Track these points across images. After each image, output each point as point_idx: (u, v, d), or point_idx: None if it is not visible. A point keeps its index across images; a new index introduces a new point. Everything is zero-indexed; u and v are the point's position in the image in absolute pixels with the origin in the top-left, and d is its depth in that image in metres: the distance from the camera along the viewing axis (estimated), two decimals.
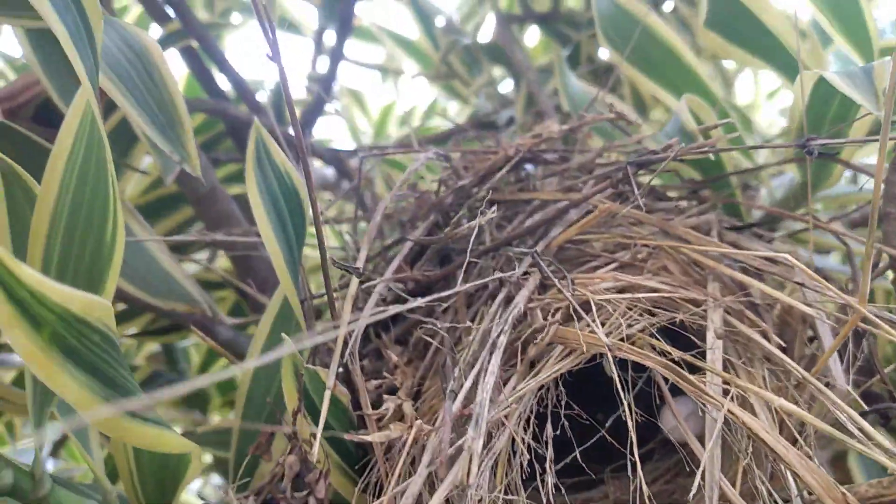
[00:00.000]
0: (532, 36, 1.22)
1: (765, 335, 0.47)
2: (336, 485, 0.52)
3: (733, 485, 0.45)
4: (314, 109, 1.13)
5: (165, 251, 0.74)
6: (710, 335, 0.45)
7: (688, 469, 0.55)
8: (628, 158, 0.52)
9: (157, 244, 0.75)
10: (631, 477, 0.42)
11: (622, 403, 0.44)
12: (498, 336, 0.46)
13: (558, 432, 0.45)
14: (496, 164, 0.64)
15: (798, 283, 0.48)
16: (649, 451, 0.58)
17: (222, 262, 1.08)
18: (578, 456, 0.46)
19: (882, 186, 0.53)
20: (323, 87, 1.10)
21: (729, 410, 0.40)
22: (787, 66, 0.65)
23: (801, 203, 0.70)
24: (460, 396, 0.43)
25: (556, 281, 0.46)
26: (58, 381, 0.35)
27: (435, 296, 0.56)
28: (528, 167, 0.68)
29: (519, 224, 0.57)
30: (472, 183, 0.65)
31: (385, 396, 0.51)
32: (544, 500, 0.43)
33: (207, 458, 1.00)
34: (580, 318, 0.44)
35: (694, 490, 0.40)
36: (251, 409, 0.62)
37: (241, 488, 0.56)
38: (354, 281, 0.50)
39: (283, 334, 0.49)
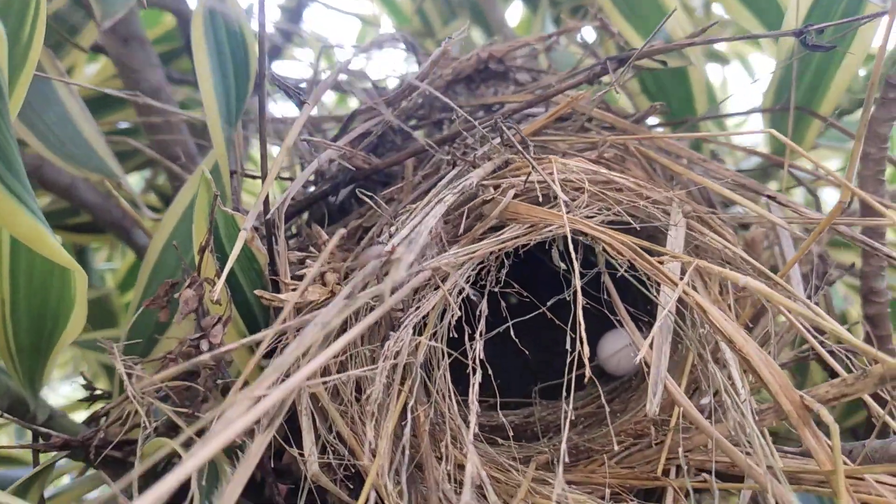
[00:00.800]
0: (514, 14, 1.20)
1: (727, 240, 0.43)
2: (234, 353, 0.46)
3: (679, 384, 0.41)
4: (277, 45, 1.08)
5: (91, 123, 0.67)
6: (673, 216, 0.41)
7: (620, 396, 0.51)
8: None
9: (84, 119, 0.68)
10: (586, 356, 0.36)
11: (571, 276, 0.39)
12: (444, 197, 0.41)
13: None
14: (466, 68, 0.60)
15: (770, 198, 0.45)
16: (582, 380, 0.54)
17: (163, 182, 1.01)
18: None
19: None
20: (290, 18, 1.06)
21: (684, 291, 0.36)
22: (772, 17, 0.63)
23: (769, 177, 0.68)
24: (393, 240, 0.38)
25: (516, 144, 0.41)
26: None
27: (391, 160, 0.51)
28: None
29: (485, 115, 0.53)
30: (439, 83, 0.60)
31: (308, 262, 0.46)
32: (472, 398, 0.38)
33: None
34: (541, 179, 0.40)
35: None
36: (156, 282, 0.55)
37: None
38: (297, 123, 0.45)
39: (202, 167, 0.43)
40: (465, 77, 0.62)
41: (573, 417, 0.50)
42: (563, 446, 0.34)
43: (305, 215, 0.60)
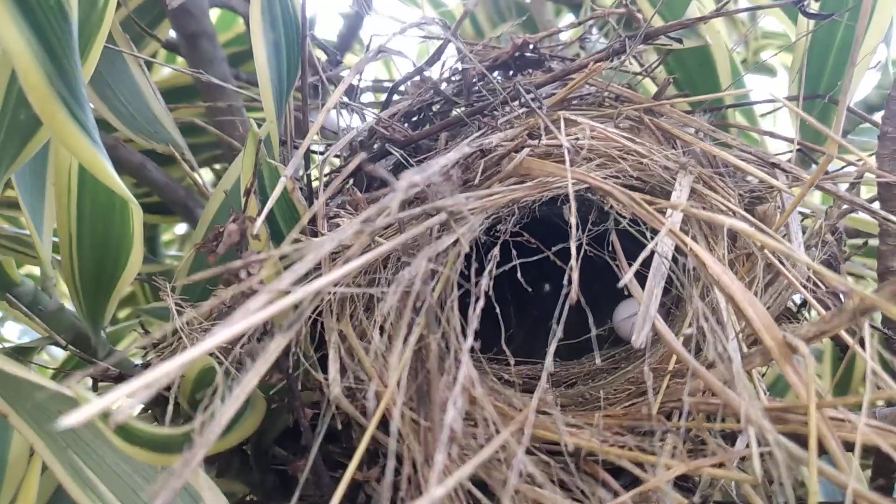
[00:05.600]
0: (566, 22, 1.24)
1: (729, 200, 0.46)
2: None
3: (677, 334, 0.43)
4: (340, 47, 1.15)
5: (160, 101, 0.74)
6: (679, 177, 0.44)
7: (630, 357, 0.54)
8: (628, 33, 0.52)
9: (154, 98, 0.75)
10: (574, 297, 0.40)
11: (581, 235, 0.42)
12: (464, 144, 0.45)
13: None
14: (502, 55, 0.64)
15: (773, 165, 0.47)
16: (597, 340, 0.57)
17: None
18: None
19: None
20: (349, 27, 1.12)
21: (671, 231, 0.39)
22: None
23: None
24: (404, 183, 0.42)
25: (529, 102, 0.45)
26: (1, 23, 0.34)
27: (426, 131, 0.55)
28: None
29: (511, 87, 0.57)
30: (475, 70, 0.65)
31: (341, 212, 0.50)
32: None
33: None
34: (550, 134, 0.43)
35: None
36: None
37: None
38: (338, 89, 0.49)
39: (252, 122, 0.48)
40: (501, 64, 0.66)
41: (582, 372, 0.53)
42: (549, 360, 0.37)
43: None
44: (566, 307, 0.40)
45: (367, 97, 1.23)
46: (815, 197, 0.82)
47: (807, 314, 0.57)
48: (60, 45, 0.36)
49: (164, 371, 0.29)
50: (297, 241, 0.41)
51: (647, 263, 0.52)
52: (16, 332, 1.33)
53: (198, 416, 0.34)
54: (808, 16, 0.43)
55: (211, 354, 0.45)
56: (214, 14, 1.16)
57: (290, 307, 0.37)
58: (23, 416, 0.41)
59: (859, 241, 0.58)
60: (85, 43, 0.46)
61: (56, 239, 0.60)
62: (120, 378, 0.55)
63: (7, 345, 0.54)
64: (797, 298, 0.57)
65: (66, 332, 0.56)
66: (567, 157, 0.41)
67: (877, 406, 0.48)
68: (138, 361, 0.62)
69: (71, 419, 0.25)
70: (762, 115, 0.91)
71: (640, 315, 0.40)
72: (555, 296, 0.67)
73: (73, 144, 0.38)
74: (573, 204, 0.41)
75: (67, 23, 0.36)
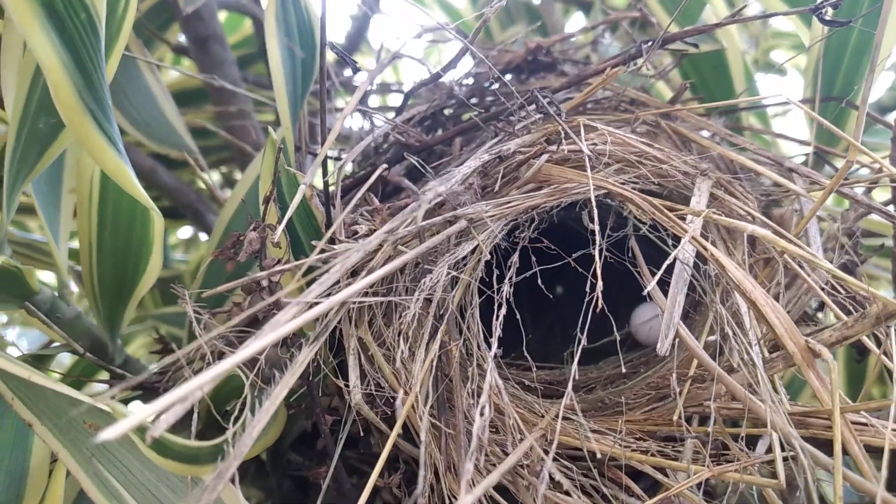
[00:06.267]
0: (576, 24, 1.24)
1: (748, 205, 0.46)
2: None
3: (697, 339, 0.44)
4: (348, 47, 1.15)
5: (172, 107, 0.74)
6: (698, 183, 0.44)
7: (649, 363, 0.54)
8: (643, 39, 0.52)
9: (167, 103, 0.75)
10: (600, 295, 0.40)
11: (596, 237, 0.42)
12: (482, 152, 0.45)
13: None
14: (516, 59, 0.65)
15: (790, 169, 0.47)
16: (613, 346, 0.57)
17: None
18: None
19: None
20: (358, 28, 1.12)
21: (693, 238, 0.39)
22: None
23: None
24: (430, 195, 0.42)
25: (548, 108, 0.45)
26: (35, 36, 0.34)
27: (440, 137, 0.56)
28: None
29: (528, 93, 0.57)
30: (488, 74, 0.65)
31: (359, 219, 0.50)
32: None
33: None
34: (568, 139, 0.43)
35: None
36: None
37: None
38: (355, 95, 0.49)
39: (269, 129, 0.48)
40: (514, 67, 0.66)
41: (601, 377, 0.53)
42: (575, 366, 0.37)
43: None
44: (589, 314, 0.40)
45: (375, 100, 1.24)
46: (829, 199, 0.82)
47: (823, 317, 0.57)
48: (90, 58, 0.36)
49: (197, 384, 0.29)
50: (321, 251, 0.41)
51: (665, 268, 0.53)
52: (19, 336, 1.33)
53: (229, 428, 0.34)
54: (826, 23, 0.43)
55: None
56: (221, 16, 1.16)
57: (315, 318, 0.37)
58: (47, 426, 0.41)
59: (874, 242, 0.58)
60: (108, 45, 0.47)
61: (72, 246, 0.61)
62: (139, 386, 0.56)
63: (24, 352, 0.54)
64: (813, 301, 0.57)
65: (83, 338, 0.56)
66: (588, 163, 0.41)
67: None
68: (151, 366, 0.62)
69: (108, 433, 0.26)
70: (773, 117, 0.91)
71: (665, 322, 0.40)
72: (569, 299, 0.68)
73: (99, 155, 0.38)
74: (594, 210, 0.41)
75: (97, 36, 0.37)
